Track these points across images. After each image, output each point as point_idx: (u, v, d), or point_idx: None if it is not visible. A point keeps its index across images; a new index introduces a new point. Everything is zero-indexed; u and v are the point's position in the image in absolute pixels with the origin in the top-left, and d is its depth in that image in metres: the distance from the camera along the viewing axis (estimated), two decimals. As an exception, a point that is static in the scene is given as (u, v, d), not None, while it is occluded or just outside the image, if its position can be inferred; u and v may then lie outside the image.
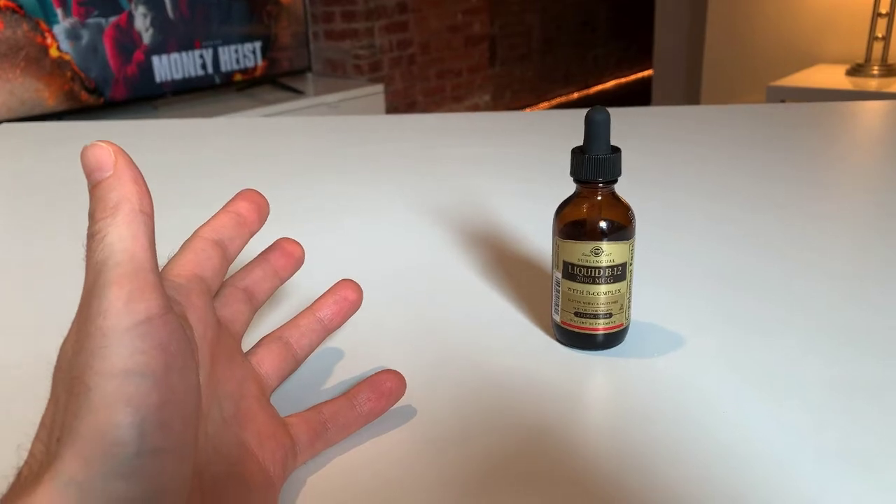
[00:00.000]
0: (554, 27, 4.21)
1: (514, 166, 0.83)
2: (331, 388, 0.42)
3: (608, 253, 0.42)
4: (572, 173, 0.42)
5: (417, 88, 3.17)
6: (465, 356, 0.45)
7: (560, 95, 4.35)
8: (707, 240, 0.61)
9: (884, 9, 2.44)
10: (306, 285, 0.55)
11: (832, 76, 2.52)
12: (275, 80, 2.72)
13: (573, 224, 0.42)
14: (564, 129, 0.98)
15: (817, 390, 0.40)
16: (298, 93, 2.64)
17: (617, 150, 0.41)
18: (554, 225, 0.43)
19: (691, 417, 0.38)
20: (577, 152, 0.41)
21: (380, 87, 2.82)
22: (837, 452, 0.35)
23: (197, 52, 2.53)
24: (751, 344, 0.45)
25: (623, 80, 4.73)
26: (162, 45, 2.46)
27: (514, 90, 4.04)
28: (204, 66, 2.56)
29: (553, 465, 0.35)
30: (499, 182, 0.77)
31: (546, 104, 4.24)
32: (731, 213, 0.66)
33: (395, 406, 0.40)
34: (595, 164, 0.41)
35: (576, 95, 4.43)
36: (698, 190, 0.73)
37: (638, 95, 4.32)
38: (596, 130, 0.40)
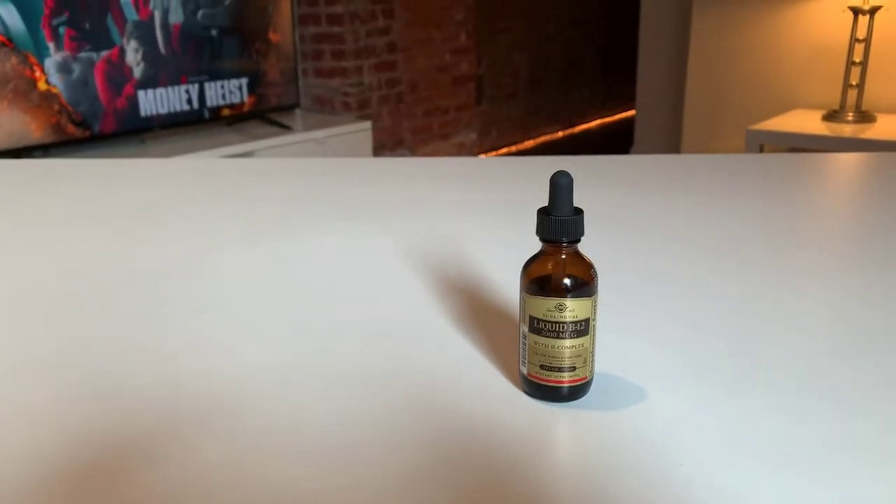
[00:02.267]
0: (541, 68, 4.29)
1: (493, 213, 0.85)
2: (296, 435, 0.43)
3: (572, 309, 0.43)
4: (538, 233, 0.44)
5: (405, 126, 3.22)
6: (434, 404, 0.46)
7: (546, 134, 4.41)
8: (675, 291, 0.63)
9: (857, 58, 2.52)
10: (280, 326, 0.57)
11: (809, 121, 2.59)
12: (263, 116, 2.75)
13: (538, 280, 0.44)
14: (546, 175, 1.01)
15: (778, 445, 0.41)
16: (286, 128, 2.67)
17: (580, 212, 0.43)
18: (521, 280, 0.45)
19: (650, 469, 0.40)
20: (542, 213, 0.43)
21: (367, 124, 2.86)
22: (786, 507, 0.37)
23: (183, 88, 2.56)
24: (713, 397, 0.46)
25: (607, 119, 4.81)
26: (153, 80, 2.48)
27: (500, 128, 4.10)
28: (189, 101, 2.58)
29: (514, 517, 0.37)
30: (477, 229, 0.79)
31: (531, 142, 4.30)
32: (701, 264, 0.68)
33: (362, 450, 0.41)
34: (559, 225, 0.43)
35: (561, 134, 4.50)
36: (671, 240, 0.75)
37: (621, 135, 4.39)
38: (560, 193, 0.42)
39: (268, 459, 0.41)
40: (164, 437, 0.43)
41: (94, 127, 2.39)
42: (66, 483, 0.40)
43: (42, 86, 2.26)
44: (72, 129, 2.34)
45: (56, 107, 2.30)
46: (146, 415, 0.46)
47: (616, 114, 4.87)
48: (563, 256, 0.44)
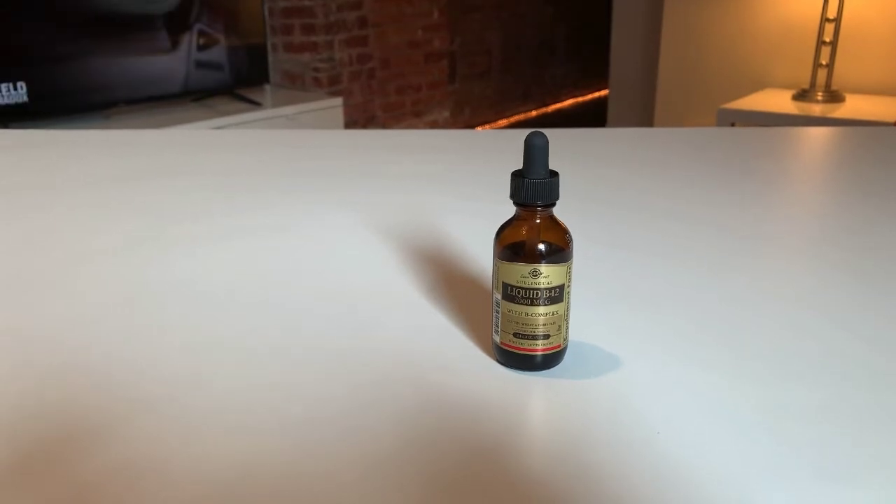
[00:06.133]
0: (513, 46, 4.26)
1: (466, 185, 0.84)
2: (260, 409, 0.42)
3: (546, 275, 0.42)
4: (512, 196, 0.42)
5: (377, 103, 3.18)
6: (407, 375, 0.45)
7: (519, 113, 4.40)
8: (649, 261, 0.62)
9: (827, 37, 2.53)
10: (249, 300, 0.55)
11: (779, 100, 2.61)
12: (232, 91, 2.69)
13: (512, 246, 0.43)
14: (519, 147, 1.00)
15: (754, 413, 0.41)
16: (256, 104, 2.62)
17: (555, 175, 0.42)
18: (494, 246, 0.44)
19: (625, 438, 0.39)
20: (516, 176, 0.42)
21: (338, 101, 2.81)
22: (763, 474, 0.36)
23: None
24: (688, 366, 0.46)
25: (580, 99, 4.81)
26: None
27: (473, 107, 4.07)
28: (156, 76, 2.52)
29: (490, 484, 0.36)
30: (449, 200, 0.78)
31: (504, 121, 4.28)
32: (675, 234, 0.68)
33: (336, 423, 0.39)
34: (533, 188, 0.41)
35: (534, 113, 4.48)
36: (644, 211, 0.74)
37: (594, 114, 4.40)
38: (534, 155, 0.41)
39: (230, 435, 0.40)
40: (120, 414, 0.41)
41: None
42: (16, 459, 0.38)
43: (0, 57, 2.18)
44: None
45: (15, 80, 2.22)
46: (101, 392, 0.44)
47: (589, 93, 4.86)
48: (538, 221, 0.43)
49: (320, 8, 2.87)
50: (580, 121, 4.44)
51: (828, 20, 2.53)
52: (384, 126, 3.21)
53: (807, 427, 0.40)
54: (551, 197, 0.42)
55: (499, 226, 0.44)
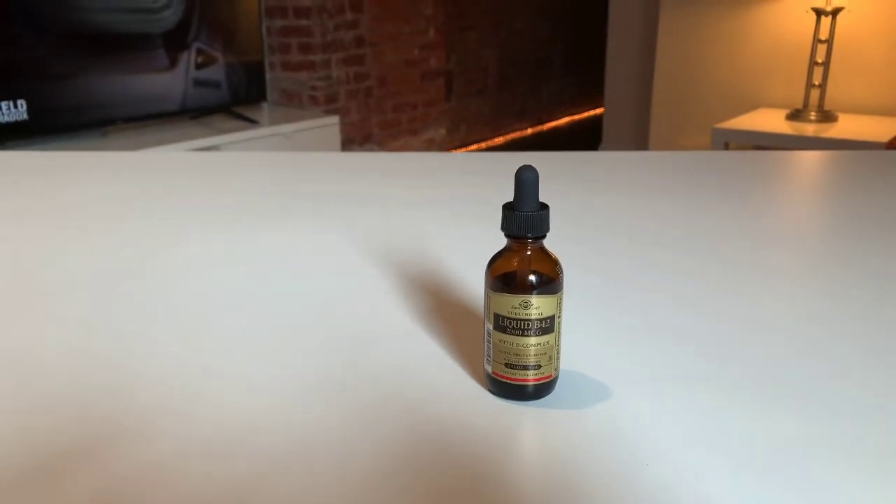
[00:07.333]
0: (510, 64, 4.29)
1: (459, 210, 0.84)
2: (251, 437, 0.42)
3: (537, 306, 0.43)
4: (503, 228, 0.43)
5: (373, 121, 3.19)
6: (397, 404, 0.45)
7: (515, 130, 4.42)
8: (641, 290, 0.63)
9: (820, 58, 2.56)
10: (239, 324, 0.55)
11: (773, 120, 2.63)
12: (229, 109, 2.70)
13: (504, 277, 0.44)
14: (512, 171, 1.00)
15: (744, 445, 0.41)
16: (253, 122, 2.63)
17: (545, 207, 0.42)
18: (486, 277, 0.44)
19: (616, 468, 0.39)
20: (507, 208, 0.43)
21: (335, 119, 2.83)
22: (749, 505, 0.37)
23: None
24: (679, 396, 0.46)
25: (576, 116, 4.84)
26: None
27: (469, 124, 4.09)
28: (153, 94, 2.53)
29: (477, 518, 0.36)
30: (445, 226, 0.79)
31: (500, 139, 4.31)
32: (666, 263, 0.69)
33: (327, 453, 0.40)
34: (524, 221, 0.42)
35: (530, 131, 4.51)
36: (636, 238, 0.75)
37: (590, 132, 4.42)
38: (525, 188, 0.42)
39: (220, 462, 0.40)
40: (114, 438, 0.42)
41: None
42: (6, 481, 0.38)
43: None
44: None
45: (13, 98, 2.23)
46: (93, 416, 0.44)
47: (585, 111, 4.90)
48: (529, 253, 0.43)
49: (318, 27, 2.89)
50: (576, 138, 4.47)
51: (820, 41, 2.56)
52: (381, 144, 3.23)
53: (797, 460, 0.40)
54: (541, 229, 0.42)
55: (492, 254, 0.45)
